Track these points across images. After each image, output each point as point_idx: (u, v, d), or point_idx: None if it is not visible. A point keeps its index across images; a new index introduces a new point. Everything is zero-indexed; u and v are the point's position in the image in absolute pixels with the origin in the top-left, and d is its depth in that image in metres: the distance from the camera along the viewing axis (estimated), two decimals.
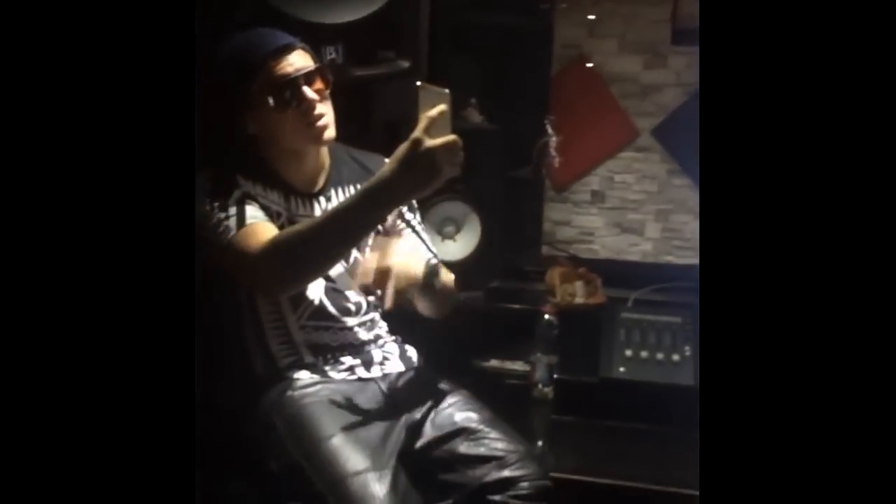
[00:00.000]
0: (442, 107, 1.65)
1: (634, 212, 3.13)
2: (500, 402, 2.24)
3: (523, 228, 3.10)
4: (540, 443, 2.21)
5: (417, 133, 1.63)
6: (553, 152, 2.91)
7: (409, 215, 2.16)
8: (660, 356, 2.28)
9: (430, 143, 1.62)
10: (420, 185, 1.69)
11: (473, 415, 2.01)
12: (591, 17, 3.08)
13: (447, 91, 1.67)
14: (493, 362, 2.56)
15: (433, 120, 1.64)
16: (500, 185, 2.71)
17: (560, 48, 3.11)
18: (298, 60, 1.93)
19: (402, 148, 1.64)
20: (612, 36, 3.10)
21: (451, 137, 1.64)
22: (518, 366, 2.51)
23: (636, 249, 3.13)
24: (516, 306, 2.59)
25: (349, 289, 2.11)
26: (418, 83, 1.70)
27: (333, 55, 2.16)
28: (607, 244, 3.15)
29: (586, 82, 3.10)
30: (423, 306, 2.06)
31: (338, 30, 2.19)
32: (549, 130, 2.87)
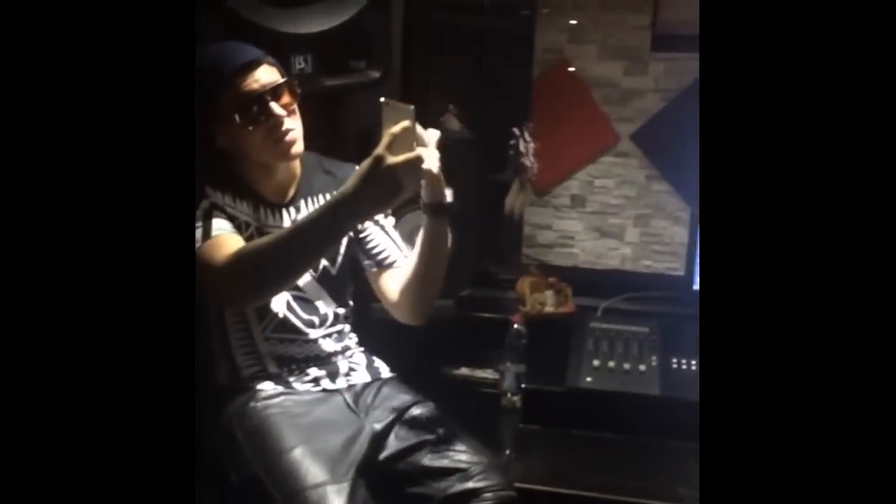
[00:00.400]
0: (405, 123, 1.66)
1: (614, 216, 3.13)
2: (470, 410, 2.27)
3: (503, 232, 3.11)
4: (508, 452, 2.21)
5: (379, 150, 1.65)
6: (532, 158, 2.91)
7: (378, 216, 2.16)
8: (626, 366, 2.30)
9: (392, 159, 1.64)
10: (382, 200, 1.71)
11: (438, 427, 2.02)
12: (573, 22, 3.08)
13: (412, 107, 1.68)
14: (464, 371, 2.57)
15: (396, 136, 1.65)
16: (474, 193, 2.70)
17: (541, 53, 3.11)
18: (265, 76, 1.93)
19: (365, 164, 1.67)
20: (592, 42, 3.09)
21: (414, 154, 1.66)
22: (488, 374, 2.52)
23: (616, 254, 3.14)
24: (487, 315, 2.60)
25: (318, 299, 2.12)
26: (382, 99, 1.71)
27: (303, 65, 2.16)
28: (587, 248, 3.15)
29: (568, 87, 3.10)
30: (419, 274, 2.02)
31: (308, 39, 2.18)
32: (527, 136, 2.87)
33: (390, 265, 2.14)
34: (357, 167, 1.74)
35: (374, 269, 2.15)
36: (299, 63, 2.15)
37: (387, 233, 2.17)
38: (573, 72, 3.08)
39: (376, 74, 2.30)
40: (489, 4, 3.01)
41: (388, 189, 1.68)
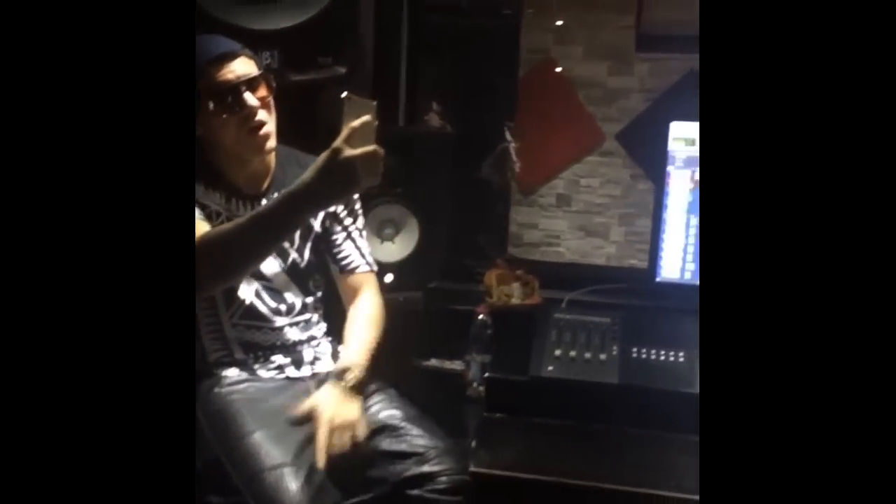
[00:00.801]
0: (366, 118, 1.70)
1: (599, 215, 3.17)
2: (439, 400, 2.30)
3: (488, 231, 3.16)
4: (471, 440, 2.25)
5: (338, 142, 1.69)
6: (514, 157, 2.96)
7: (347, 220, 2.22)
8: (588, 355, 2.32)
9: (350, 152, 1.68)
10: (338, 192, 1.76)
11: (397, 412, 2.08)
12: (559, 22, 3.12)
13: (374, 102, 1.73)
14: (433, 362, 2.60)
15: (355, 130, 1.69)
16: (453, 189, 2.76)
17: (528, 53, 3.15)
18: (241, 67, 1.99)
19: (323, 156, 1.71)
20: (578, 42, 3.14)
21: (371, 148, 1.69)
22: (457, 365, 2.55)
23: (601, 252, 3.18)
24: (456, 307, 2.62)
25: (286, 289, 2.17)
26: (343, 94, 1.75)
27: (269, 60, 2.21)
28: (573, 247, 3.20)
29: (554, 86, 3.14)
30: None
31: (274, 36, 2.23)
32: (508, 136, 2.91)
33: (352, 271, 2.24)
34: None
35: (338, 273, 2.25)
36: (266, 59, 2.20)
37: (352, 239, 2.24)
38: (559, 71, 3.12)
39: (343, 70, 2.34)
40: (470, 5, 3.05)
41: (345, 181, 1.72)
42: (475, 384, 2.44)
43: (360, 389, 2.05)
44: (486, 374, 2.39)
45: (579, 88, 3.14)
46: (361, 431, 1.97)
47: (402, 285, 2.53)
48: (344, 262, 2.22)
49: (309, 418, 1.97)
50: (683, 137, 2.48)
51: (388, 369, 2.22)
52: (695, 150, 2.47)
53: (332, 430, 1.93)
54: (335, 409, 1.97)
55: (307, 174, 1.73)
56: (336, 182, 1.72)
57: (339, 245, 2.22)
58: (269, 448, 1.89)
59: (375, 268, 2.28)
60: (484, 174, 2.93)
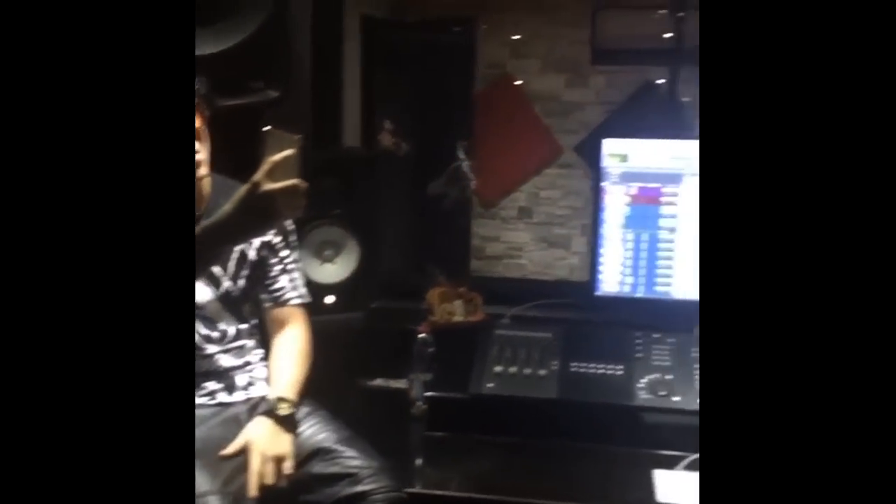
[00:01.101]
0: (287, 152, 1.69)
1: (560, 227, 3.19)
2: (383, 419, 2.30)
3: (451, 246, 3.16)
4: (419, 460, 2.25)
5: (257, 176, 1.68)
6: (470, 174, 2.96)
7: (283, 252, 2.23)
8: (527, 371, 2.33)
9: (269, 186, 1.66)
10: (257, 226, 1.76)
11: (331, 435, 2.07)
12: (515, 37, 3.14)
13: (298, 137, 1.71)
14: (378, 381, 2.60)
15: (277, 164, 1.68)
16: (396, 206, 2.77)
17: (485, 68, 3.18)
18: None
19: (241, 189, 1.70)
20: (534, 56, 3.16)
21: (291, 182, 1.68)
22: (402, 384, 2.55)
23: (563, 264, 3.19)
24: (402, 325, 2.61)
25: (219, 318, 2.17)
26: (265, 128, 1.74)
27: (196, 86, 2.20)
28: (535, 259, 3.21)
29: (510, 100, 3.16)
30: None
31: (202, 61, 2.21)
32: (462, 154, 2.91)
33: (284, 303, 2.24)
34: None
35: (269, 304, 2.25)
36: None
37: (287, 271, 2.24)
38: (515, 85, 3.14)
39: (274, 94, 2.33)
40: (421, 22, 3.06)
41: (264, 215, 1.71)
42: (419, 403, 2.44)
43: (293, 422, 2.05)
44: (427, 393, 2.39)
45: (536, 101, 3.16)
46: (290, 466, 1.98)
47: (344, 306, 2.53)
48: (277, 294, 2.22)
49: (242, 451, 1.98)
50: (617, 154, 2.48)
51: (332, 390, 2.22)
52: (628, 166, 2.48)
53: (264, 462, 1.94)
54: (267, 441, 1.98)
55: (227, 206, 1.72)
56: (254, 215, 1.71)
57: (275, 276, 2.22)
58: (195, 475, 1.89)
59: (308, 299, 2.28)
60: (432, 192, 2.91)
